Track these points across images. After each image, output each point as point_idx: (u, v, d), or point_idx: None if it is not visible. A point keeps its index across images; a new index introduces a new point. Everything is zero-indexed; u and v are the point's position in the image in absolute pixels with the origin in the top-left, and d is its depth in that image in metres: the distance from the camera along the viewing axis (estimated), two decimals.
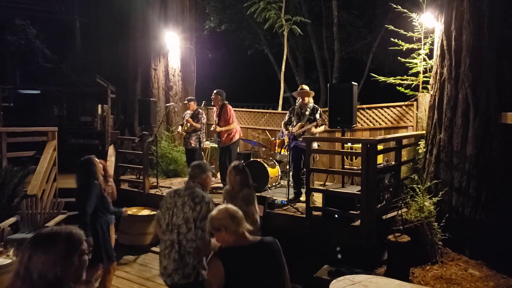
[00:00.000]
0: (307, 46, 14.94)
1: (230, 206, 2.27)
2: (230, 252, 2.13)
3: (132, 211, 6.08)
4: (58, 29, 14.17)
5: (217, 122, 6.39)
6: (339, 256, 4.26)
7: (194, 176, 2.98)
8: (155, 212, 6.03)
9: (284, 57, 10.38)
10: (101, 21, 10.31)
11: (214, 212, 2.26)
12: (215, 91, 6.44)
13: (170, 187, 6.78)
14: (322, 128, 5.51)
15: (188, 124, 6.72)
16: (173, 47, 8.63)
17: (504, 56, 4.38)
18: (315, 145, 5.44)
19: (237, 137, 6.42)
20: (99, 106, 9.26)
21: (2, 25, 12.95)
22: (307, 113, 5.45)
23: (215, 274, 2.07)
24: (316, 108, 5.51)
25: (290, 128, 5.49)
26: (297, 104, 5.59)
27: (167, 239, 2.86)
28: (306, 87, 5.61)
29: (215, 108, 6.62)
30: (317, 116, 5.41)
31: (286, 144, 5.75)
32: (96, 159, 3.88)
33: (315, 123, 5.35)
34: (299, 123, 5.42)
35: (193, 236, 2.80)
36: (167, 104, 8.20)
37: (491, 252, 4.27)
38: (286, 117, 5.73)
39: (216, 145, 7.00)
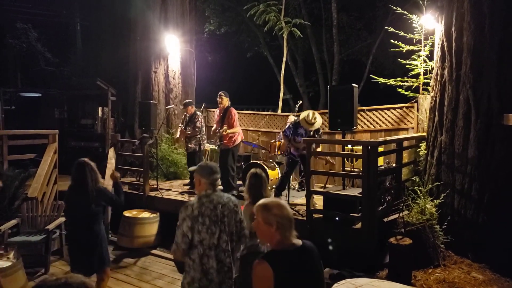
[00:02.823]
0: (307, 48, 14.92)
1: (286, 204, 2.15)
2: (277, 256, 2.00)
3: (132, 213, 6.07)
4: (59, 32, 14.21)
5: (219, 124, 6.28)
6: (340, 259, 4.23)
7: (216, 180, 2.90)
8: (155, 215, 6.08)
9: (284, 59, 10.38)
10: (102, 24, 10.37)
11: (271, 203, 2.06)
12: (222, 92, 6.26)
13: (170, 190, 6.77)
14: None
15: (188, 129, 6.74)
16: (173, 50, 8.63)
17: (505, 57, 4.35)
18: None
19: (239, 140, 6.29)
20: (100, 108, 9.27)
21: (3, 28, 13.01)
22: (311, 133, 5.44)
23: (264, 277, 1.92)
24: (317, 129, 5.47)
25: (295, 143, 5.47)
26: (301, 124, 5.44)
27: (219, 252, 2.74)
28: (311, 118, 5.25)
29: (216, 111, 6.58)
30: (317, 135, 5.46)
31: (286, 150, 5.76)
32: (91, 162, 3.68)
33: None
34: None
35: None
36: (167, 107, 8.20)
37: (494, 255, 4.24)
38: (289, 131, 5.53)
39: (216, 147, 6.97)
